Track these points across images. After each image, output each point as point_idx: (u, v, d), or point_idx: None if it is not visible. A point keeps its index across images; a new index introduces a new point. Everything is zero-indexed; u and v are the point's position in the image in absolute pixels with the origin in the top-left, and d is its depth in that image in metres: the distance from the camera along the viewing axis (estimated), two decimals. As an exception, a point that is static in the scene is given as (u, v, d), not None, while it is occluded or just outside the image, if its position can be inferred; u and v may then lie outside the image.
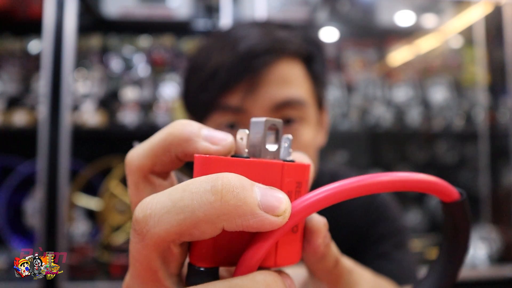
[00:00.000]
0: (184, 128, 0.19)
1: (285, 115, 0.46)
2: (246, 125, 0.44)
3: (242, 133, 0.19)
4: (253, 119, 0.19)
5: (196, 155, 0.18)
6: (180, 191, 0.16)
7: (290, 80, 0.46)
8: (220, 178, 0.16)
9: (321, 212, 0.20)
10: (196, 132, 0.19)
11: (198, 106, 0.48)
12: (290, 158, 0.19)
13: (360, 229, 0.58)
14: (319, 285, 0.25)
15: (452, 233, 0.23)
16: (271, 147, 0.19)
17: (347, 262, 0.25)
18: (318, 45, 0.52)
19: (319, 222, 0.20)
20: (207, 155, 0.18)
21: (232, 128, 0.46)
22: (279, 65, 0.46)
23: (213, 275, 0.18)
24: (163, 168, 0.20)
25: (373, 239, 0.57)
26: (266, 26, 0.49)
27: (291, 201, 0.18)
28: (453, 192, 0.23)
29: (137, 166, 0.20)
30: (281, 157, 0.19)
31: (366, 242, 0.57)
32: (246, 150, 0.19)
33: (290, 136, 0.19)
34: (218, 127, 0.46)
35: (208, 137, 0.19)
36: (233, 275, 0.17)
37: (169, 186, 0.19)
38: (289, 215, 0.16)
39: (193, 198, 0.16)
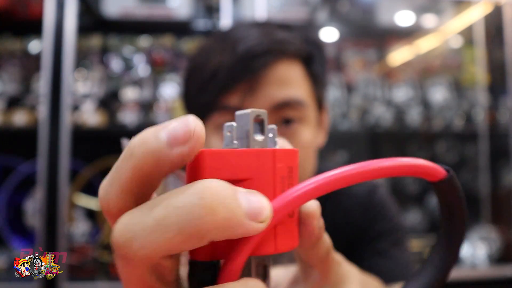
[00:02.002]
0: (143, 150, 0.16)
1: (285, 115, 0.47)
2: None
3: (229, 127, 0.19)
4: (238, 112, 0.19)
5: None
6: (163, 208, 0.15)
7: (289, 80, 0.46)
8: (208, 189, 0.15)
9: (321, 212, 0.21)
10: (156, 144, 0.16)
11: (198, 107, 0.48)
12: (277, 147, 0.20)
13: (358, 227, 0.58)
14: (311, 276, 0.25)
15: (446, 213, 0.22)
16: (258, 137, 0.19)
17: (337, 255, 0.25)
18: (318, 45, 0.52)
19: (313, 205, 0.20)
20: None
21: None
22: (278, 65, 0.46)
23: (215, 269, 0.18)
24: (150, 189, 0.17)
25: (371, 237, 0.57)
26: (266, 26, 0.49)
27: (284, 186, 0.18)
28: (438, 171, 0.22)
29: (116, 208, 0.16)
30: (268, 147, 0.19)
31: (364, 239, 0.57)
32: (236, 142, 0.19)
33: (274, 126, 0.20)
34: (218, 127, 0.47)
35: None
36: (218, 281, 0.17)
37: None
38: (271, 218, 0.16)
39: (179, 214, 0.14)
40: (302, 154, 0.46)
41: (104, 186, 0.17)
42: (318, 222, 0.21)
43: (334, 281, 0.24)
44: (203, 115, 0.48)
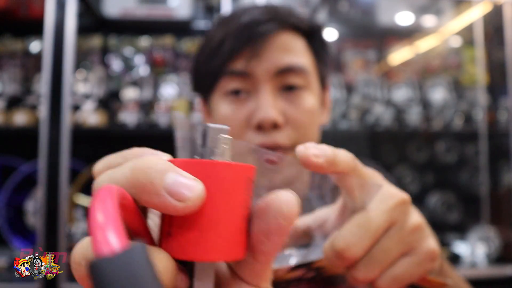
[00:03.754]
0: (145, 176, 0.17)
1: (288, 81, 0.48)
2: (250, 91, 0.47)
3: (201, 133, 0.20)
4: (209, 125, 0.20)
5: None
6: (124, 167, 0.19)
7: (292, 49, 0.48)
8: (141, 160, 0.18)
9: None
10: (158, 181, 0.17)
11: (207, 75, 0.50)
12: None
13: None
14: (351, 202, 0.28)
15: None
16: (218, 149, 0.20)
17: (364, 170, 0.28)
18: (319, 27, 0.53)
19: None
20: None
21: (237, 94, 0.48)
22: (281, 34, 0.48)
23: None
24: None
25: None
26: (269, 6, 0.51)
27: (240, 199, 0.19)
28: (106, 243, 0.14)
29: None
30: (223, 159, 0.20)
31: None
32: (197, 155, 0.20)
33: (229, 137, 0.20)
34: (225, 93, 0.49)
35: (172, 190, 0.17)
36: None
37: None
38: (195, 204, 0.17)
39: (121, 172, 0.18)
40: (307, 120, 0.47)
41: (98, 168, 0.22)
42: (317, 158, 0.25)
43: (369, 191, 0.27)
44: (211, 83, 0.49)
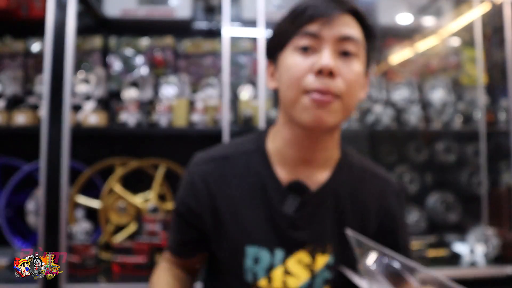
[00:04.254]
0: None
1: (345, 48, 0.60)
2: (316, 49, 0.60)
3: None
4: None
5: None
6: None
7: (352, 26, 0.62)
8: None
9: None
10: None
11: (286, 33, 0.63)
12: None
13: (390, 210, 0.68)
14: None
15: None
16: None
17: None
18: (370, 22, 0.65)
19: None
20: None
21: (305, 50, 0.60)
22: (345, 15, 0.61)
23: None
24: None
25: (398, 224, 0.69)
26: None
27: None
28: None
29: None
30: None
31: (394, 223, 0.68)
32: None
33: None
34: (295, 49, 0.61)
35: None
36: None
37: None
38: None
39: None
40: (354, 82, 0.60)
41: None
42: None
43: None
44: (287, 39, 0.62)
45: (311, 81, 0.57)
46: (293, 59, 0.60)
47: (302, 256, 0.61)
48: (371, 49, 0.66)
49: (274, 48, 0.65)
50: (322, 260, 0.61)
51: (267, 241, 0.61)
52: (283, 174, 0.63)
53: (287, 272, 0.60)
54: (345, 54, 0.60)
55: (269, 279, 0.60)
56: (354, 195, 0.65)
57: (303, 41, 0.60)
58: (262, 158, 0.64)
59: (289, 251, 0.61)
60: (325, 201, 0.63)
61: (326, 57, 0.57)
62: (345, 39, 0.60)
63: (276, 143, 0.65)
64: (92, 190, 1.72)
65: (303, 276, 0.60)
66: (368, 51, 0.65)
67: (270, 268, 0.61)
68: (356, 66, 0.61)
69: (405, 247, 0.67)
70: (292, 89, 0.59)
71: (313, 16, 0.59)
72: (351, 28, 0.61)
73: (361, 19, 0.63)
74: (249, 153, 0.66)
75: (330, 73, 0.57)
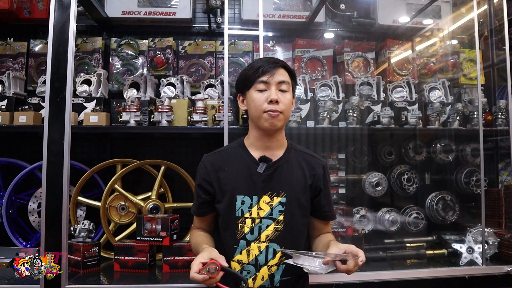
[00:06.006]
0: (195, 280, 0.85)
1: (282, 87, 1.04)
2: (267, 90, 1.02)
3: None
4: None
5: None
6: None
7: (284, 75, 1.06)
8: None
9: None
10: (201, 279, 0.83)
11: (248, 81, 1.04)
12: None
13: (318, 177, 1.09)
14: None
15: None
16: None
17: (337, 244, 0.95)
18: (293, 70, 1.11)
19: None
20: None
21: (261, 91, 1.03)
22: (280, 69, 1.06)
23: None
24: None
25: (325, 188, 1.10)
26: (274, 57, 1.12)
27: None
28: None
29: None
30: None
31: (322, 187, 1.09)
32: None
33: None
34: (256, 90, 1.03)
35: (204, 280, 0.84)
36: None
37: None
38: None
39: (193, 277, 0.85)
40: (288, 104, 1.05)
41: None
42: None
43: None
44: (250, 85, 1.04)
45: (266, 106, 1.01)
46: (256, 95, 1.03)
47: (266, 198, 1.04)
48: (295, 85, 1.13)
49: (242, 88, 1.08)
50: (277, 200, 1.04)
51: (248, 191, 1.04)
52: (255, 154, 1.07)
53: (259, 208, 1.03)
54: (282, 91, 1.04)
55: (250, 213, 1.03)
56: (297, 164, 1.09)
57: (260, 86, 1.04)
58: (243, 148, 1.09)
59: (260, 196, 1.04)
60: (280, 167, 1.06)
61: (273, 93, 1.01)
62: (281, 82, 1.04)
63: (249, 140, 1.10)
64: (93, 190, 1.74)
65: (267, 209, 1.03)
66: (293, 86, 1.11)
67: (250, 207, 1.04)
68: (289, 96, 1.06)
69: (328, 198, 1.11)
70: (257, 111, 1.02)
71: (264, 72, 1.04)
72: (284, 76, 1.05)
73: (289, 70, 1.08)
74: (235, 147, 1.11)
75: (276, 102, 1.01)
